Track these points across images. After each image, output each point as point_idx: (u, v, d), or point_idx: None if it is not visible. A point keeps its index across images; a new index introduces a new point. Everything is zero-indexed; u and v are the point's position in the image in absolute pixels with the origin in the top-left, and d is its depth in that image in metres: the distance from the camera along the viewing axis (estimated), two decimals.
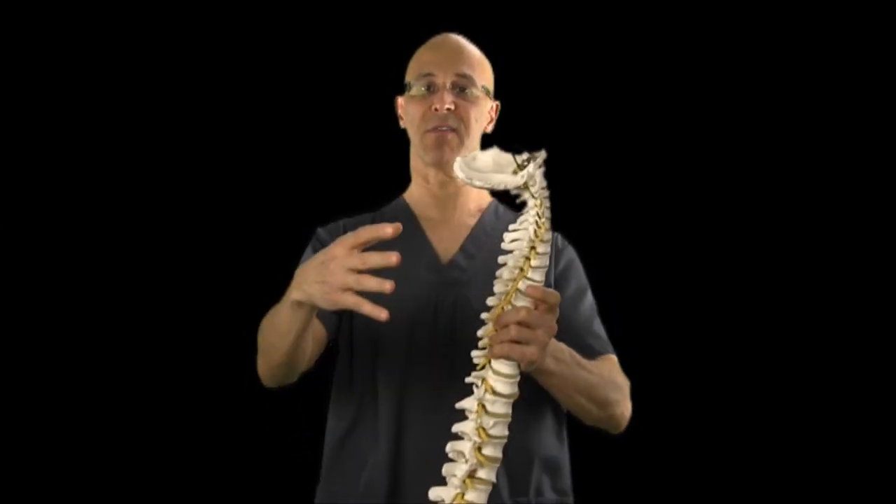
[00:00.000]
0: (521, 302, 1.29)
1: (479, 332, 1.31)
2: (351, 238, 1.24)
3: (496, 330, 1.29)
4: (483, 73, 1.70)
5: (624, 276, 2.42)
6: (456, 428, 1.31)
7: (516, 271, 1.29)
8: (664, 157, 2.62)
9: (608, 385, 1.56)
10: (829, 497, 2.47)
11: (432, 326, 1.58)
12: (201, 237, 2.54)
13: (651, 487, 2.45)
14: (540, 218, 1.28)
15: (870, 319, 2.53)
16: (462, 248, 1.67)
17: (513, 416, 1.32)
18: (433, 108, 1.64)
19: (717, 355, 2.54)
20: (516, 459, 1.53)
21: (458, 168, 1.28)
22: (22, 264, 2.49)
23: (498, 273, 1.31)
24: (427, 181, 1.71)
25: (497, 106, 1.76)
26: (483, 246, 1.66)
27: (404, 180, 1.78)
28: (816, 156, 2.59)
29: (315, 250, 1.66)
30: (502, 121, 1.77)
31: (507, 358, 1.28)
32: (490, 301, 1.31)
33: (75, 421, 2.47)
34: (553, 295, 1.29)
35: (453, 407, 1.31)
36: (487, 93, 1.70)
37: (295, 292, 1.33)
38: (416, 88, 1.68)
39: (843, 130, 2.59)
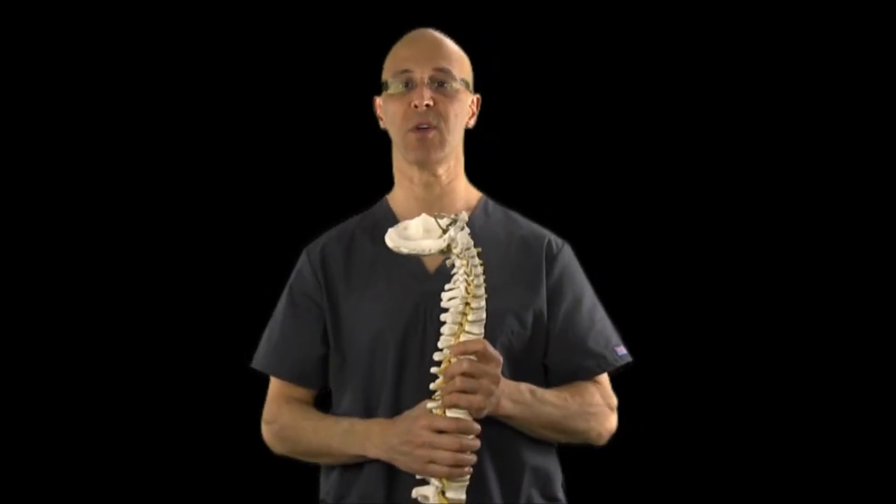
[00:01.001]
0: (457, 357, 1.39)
1: (432, 386, 1.40)
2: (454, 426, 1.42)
3: (444, 382, 1.38)
4: (461, 66, 1.67)
5: (622, 276, 2.40)
6: (416, 493, 1.44)
7: (455, 327, 1.36)
8: (662, 155, 2.56)
9: (576, 416, 1.59)
10: (828, 497, 2.46)
11: (421, 337, 1.58)
12: (188, 239, 2.54)
13: (644, 494, 2.45)
14: (469, 276, 1.33)
15: (871, 330, 2.48)
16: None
17: (503, 426, 1.43)
18: (412, 105, 1.61)
19: (712, 360, 2.51)
20: (507, 468, 1.57)
21: (389, 239, 1.36)
22: (16, 268, 2.50)
23: (441, 329, 1.38)
24: (412, 182, 1.68)
25: (478, 99, 1.72)
26: None
27: (388, 181, 1.76)
28: (815, 158, 2.52)
29: (304, 273, 1.69)
30: (504, 121, 1.77)
31: (458, 407, 1.39)
32: (437, 356, 1.38)
33: (71, 423, 2.51)
34: (476, 343, 1.39)
35: None
36: (467, 86, 1.67)
37: (372, 450, 1.53)
38: (394, 86, 1.64)
39: (843, 132, 2.51)
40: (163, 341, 2.52)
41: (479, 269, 1.35)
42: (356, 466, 1.60)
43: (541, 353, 1.63)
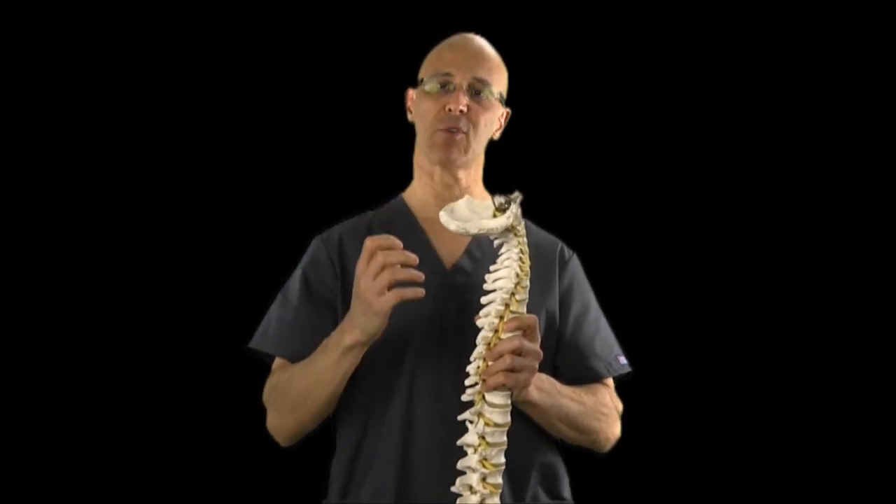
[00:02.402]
0: (509, 334, 1.36)
1: (469, 369, 1.38)
2: (364, 256, 1.39)
3: (488, 364, 1.36)
4: (500, 79, 1.69)
5: (622, 280, 2.43)
6: (461, 464, 1.37)
7: (502, 308, 1.36)
8: (663, 161, 2.61)
9: (591, 413, 1.62)
10: (827, 498, 2.50)
11: (439, 333, 1.58)
12: (193, 236, 2.51)
13: (650, 492, 2.48)
14: (523, 255, 1.35)
15: (870, 341, 2.53)
16: (466, 252, 1.66)
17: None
18: (447, 107, 1.63)
19: (715, 361, 2.55)
20: (513, 467, 1.55)
21: (446, 221, 1.34)
22: (13, 268, 2.45)
23: (483, 312, 1.37)
24: (431, 179, 1.70)
25: (507, 113, 1.75)
26: (487, 249, 1.63)
27: (402, 178, 1.77)
28: (813, 161, 2.58)
29: (314, 261, 1.67)
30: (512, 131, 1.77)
31: (503, 387, 1.36)
32: (481, 337, 1.37)
33: (68, 425, 2.43)
34: (530, 318, 1.38)
35: (460, 414, 1.38)
36: (501, 99, 1.70)
37: (347, 336, 1.45)
38: (431, 85, 1.66)
39: (843, 134, 2.57)
40: (165, 335, 2.47)
41: (527, 248, 1.37)
42: (366, 460, 1.57)
43: (552, 354, 1.65)
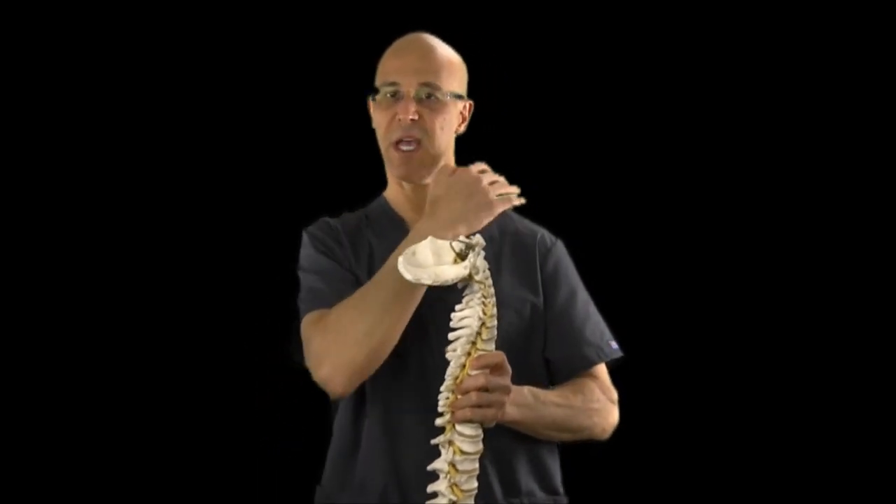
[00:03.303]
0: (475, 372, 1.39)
1: (440, 401, 1.41)
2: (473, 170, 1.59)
3: (456, 397, 1.39)
4: (451, 77, 1.66)
5: (616, 274, 2.43)
6: (431, 488, 1.41)
7: (469, 346, 1.37)
8: (654, 155, 2.60)
9: (581, 413, 1.62)
10: (823, 494, 2.53)
11: (427, 340, 1.60)
12: (183, 236, 2.55)
13: (644, 486, 2.52)
14: (486, 298, 1.33)
15: (862, 330, 2.54)
16: None
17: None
18: (397, 117, 1.62)
19: (709, 356, 2.56)
20: (507, 462, 1.61)
21: (403, 269, 1.33)
22: (21, 248, 2.49)
23: (451, 348, 1.39)
24: (402, 187, 1.71)
25: (470, 105, 1.72)
26: None
27: (381, 178, 1.77)
28: (801, 151, 2.57)
29: (316, 248, 1.66)
30: (494, 121, 1.76)
31: (471, 421, 1.40)
32: (448, 373, 1.38)
33: (67, 424, 2.50)
34: (496, 356, 1.39)
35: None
36: (457, 97, 1.67)
37: (449, 231, 1.51)
38: (381, 96, 1.65)
39: (841, 136, 2.56)
40: (156, 342, 2.50)
41: (493, 290, 1.34)
42: (359, 448, 1.60)
43: (540, 346, 1.66)
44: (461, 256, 1.33)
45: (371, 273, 1.62)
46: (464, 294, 1.37)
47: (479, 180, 1.57)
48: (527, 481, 1.63)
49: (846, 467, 2.53)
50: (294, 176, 2.50)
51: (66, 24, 2.48)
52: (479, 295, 1.34)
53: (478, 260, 1.32)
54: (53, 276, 2.51)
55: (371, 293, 1.53)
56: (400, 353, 1.58)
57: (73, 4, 2.49)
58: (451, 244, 1.33)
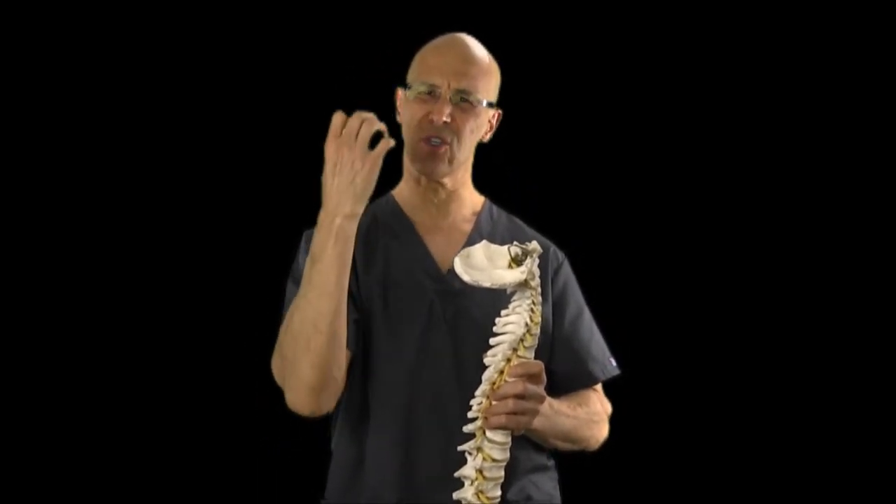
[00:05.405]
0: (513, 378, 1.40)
1: (472, 405, 1.41)
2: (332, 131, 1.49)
3: (491, 403, 1.39)
4: (487, 84, 1.65)
5: (614, 281, 2.46)
6: (457, 495, 1.41)
7: (510, 352, 1.38)
8: (655, 162, 2.63)
9: (584, 425, 1.66)
10: (815, 493, 2.57)
11: (435, 338, 1.59)
12: (183, 236, 2.51)
13: (639, 492, 2.54)
14: (535, 305, 1.35)
15: (859, 350, 2.57)
16: None
17: None
18: (430, 117, 1.61)
19: (705, 361, 2.59)
20: (508, 467, 1.60)
21: (461, 271, 1.34)
22: (21, 248, 2.45)
23: (491, 353, 1.39)
24: (418, 184, 1.69)
25: (499, 114, 1.72)
26: None
27: (391, 176, 1.74)
28: (803, 159, 2.60)
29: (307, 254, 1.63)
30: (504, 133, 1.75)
31: (505, 428, 1.40)
32: (485, 377, 1.39)
33: (67, 424, 2.46)
34: (536, 365, 1.41)
35: (459, 420, 1.41)
36: (489, 104, 1.67)
37: (339, 219, 1.47)
38: (416, 91, 1.63)
39: (841, 138, 2.59)
40: (155, 345, 2.47)
41: (541, 298, 1.37)
42: (366, 462, 1.58)
43: (546, 356, 1.66)
44: (516, 261, 1.35)
45: (385, 277, 1.62)
46: (513, 299, 1.39)
47: (335, 154, 1.48)
48: (524, 484, 1.63)
49: (839, 486, 2.56)
50: (294, 176, 2.46)
51: (72, 26, 2.46)
52: (529, 301, 1.35)
53: (533, 266, 1.34)
54: (53, 276, 2.47)
55: (295, 312, 1.50)
56: (407, 368, 1.58)
57: (81, 6, 2.47)
58: (508, 249, 1.35)
